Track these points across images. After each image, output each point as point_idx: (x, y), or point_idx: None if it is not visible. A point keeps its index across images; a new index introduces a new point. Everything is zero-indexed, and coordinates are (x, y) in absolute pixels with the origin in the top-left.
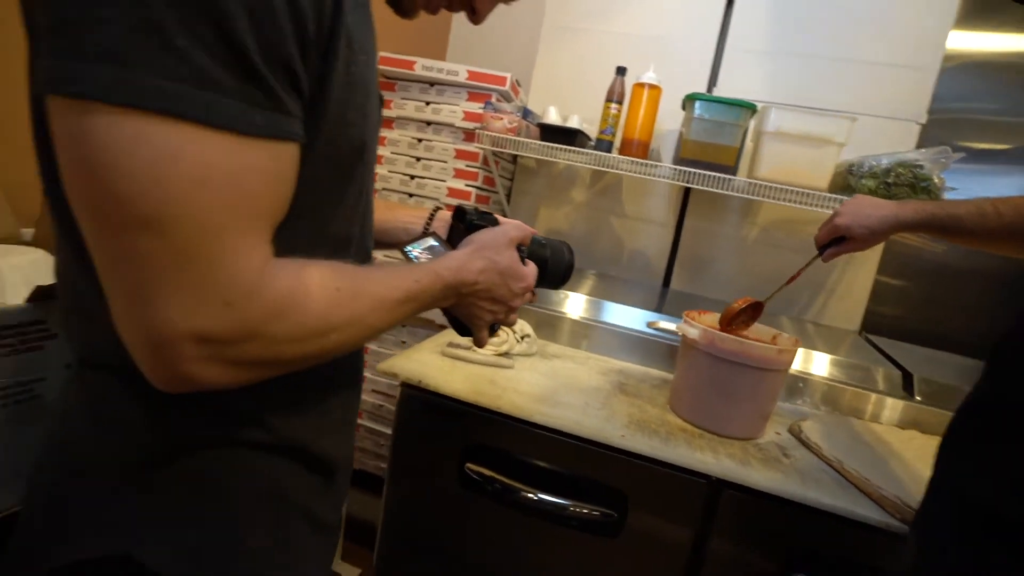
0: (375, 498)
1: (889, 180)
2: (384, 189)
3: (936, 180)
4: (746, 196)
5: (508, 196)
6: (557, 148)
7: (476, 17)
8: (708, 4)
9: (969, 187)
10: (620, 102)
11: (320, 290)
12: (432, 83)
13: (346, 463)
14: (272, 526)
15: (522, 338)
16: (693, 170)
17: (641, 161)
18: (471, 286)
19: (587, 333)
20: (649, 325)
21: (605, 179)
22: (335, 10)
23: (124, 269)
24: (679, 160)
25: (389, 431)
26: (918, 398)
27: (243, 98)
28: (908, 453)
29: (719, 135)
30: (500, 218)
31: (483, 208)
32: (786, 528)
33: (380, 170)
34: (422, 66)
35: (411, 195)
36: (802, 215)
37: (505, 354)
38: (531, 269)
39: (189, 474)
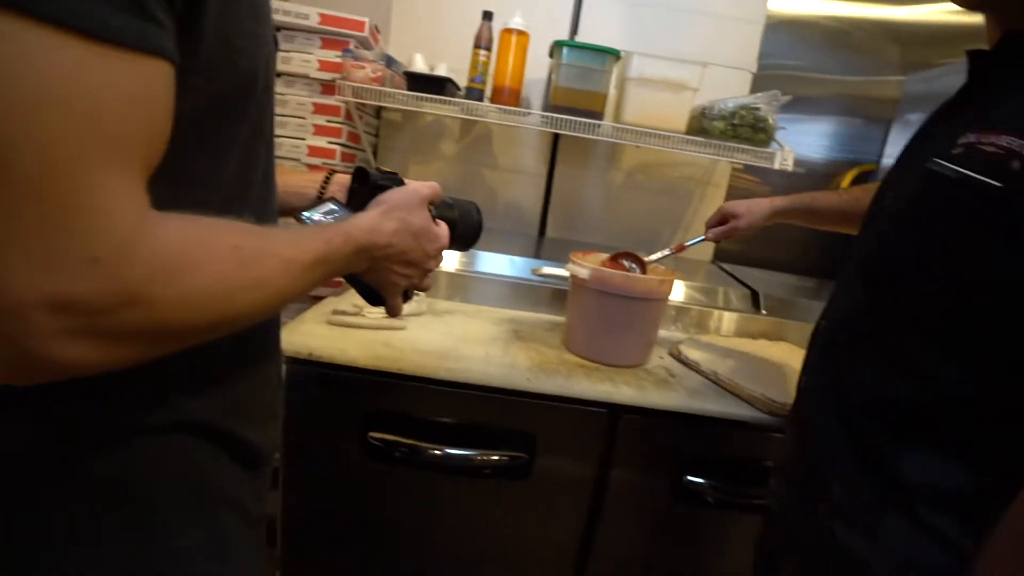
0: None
1: (735, 122)
2: None
3: (771, 121)
4: (613, 140)
5: (375, 153)
6: (427, 99)
7: None
8: None
9: (791, 132)
10: (489, 48)
11: (217, 248)
12: (277, 28)
13: (269, 451)
14: (201, 521)
15: (411, 294)
16: (564, 116)
17: (511, 109)
18: (384, 249)
19: (473, 286)
20: (534, 272)
21: (475, 131)
22: None
23: None
24: (550, 107)
25: None
26: (764, 312)
27: (123, 7)
28: (763, 357)
29: (587, 81)
30: (406, 179)
31: (385, 168)
32: (677, 440)
33: None
34: None
35: None
36: (662, 157)
37: None
38: (444, 229)
39: (82, 477)
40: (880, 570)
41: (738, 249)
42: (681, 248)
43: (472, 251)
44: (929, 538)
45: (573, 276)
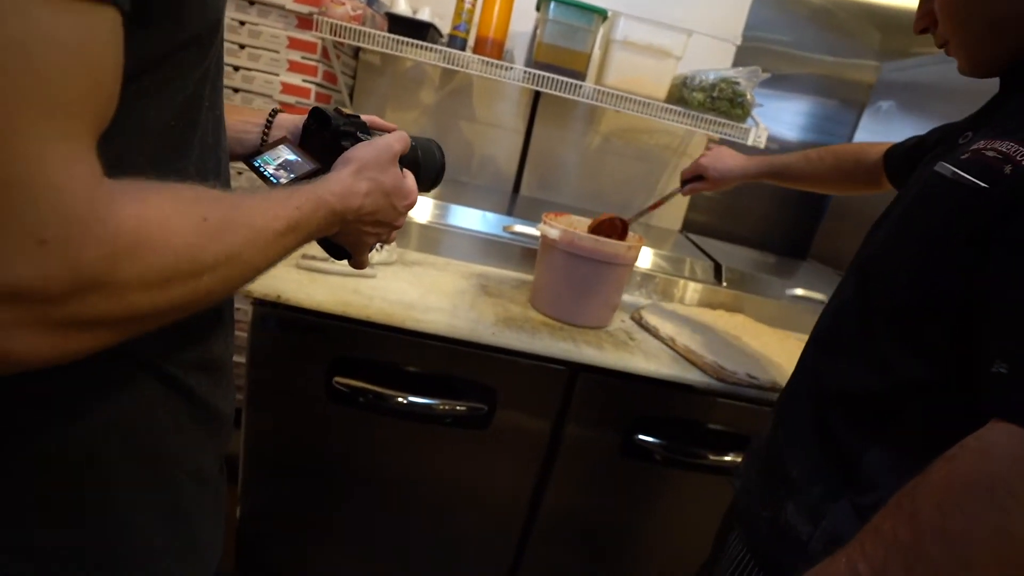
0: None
1: (715, 94)
2: None
3: (749, 97)
4: (594, 103)
5: (351, 95)
6: (408, 43)
7: None
8: None
9: (767, 108)
10: None
11: (182, 219)
12: None
13: (228, 415)
14: (157, 490)
15: (381, 247)
16: (546, 74)
17: (494, 62)
18: (357, 211)
19: (444, 239)
20: (505, 229)
21: (455, 81)
22: None
23: None
24: (533, 63)
25: (242, 359)
26: (725, 284)
27: None
28: (719, 327)
29: (572, 40)
30: (370, 120)
31: (346, 110)
32: (629, 401)
33: None
34: None
35: (236, 90)
36: (640, 124)
37: None
38: (412, 182)
39: (29, 449)
40: (816, 551)
41: (706, 220)
42: (659, 204)
43: (446, 204)
44: None
45: (543, 236)
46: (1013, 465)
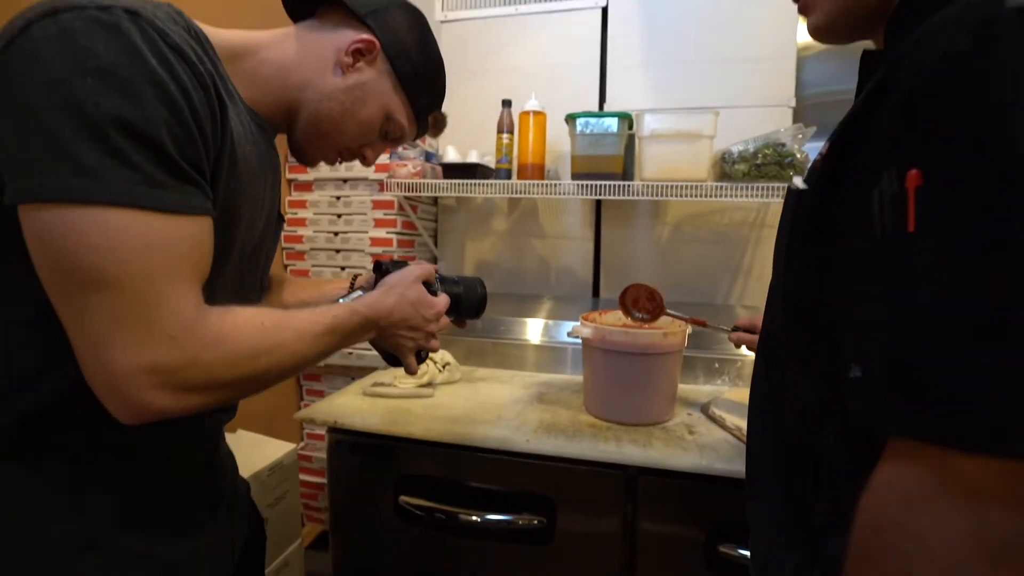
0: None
1: (758, 162)
2: (312, 249)
3: (799, 155)
4: (642, 197)
5: (435, 237)
6: (460, 183)
7: (367, 162)
8: (586, 28)
9: None
10: (511, 132)
11: (247, 324)
12: None
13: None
14: None
15: (443, 367)
16: (588, 182)
17: (539, 182)
18: (387, 318)
19: (510, 352)
20: (569, 335)
21: (521, 206)
22: (222, 133)
23: (86, 319)
24: (572, 176)
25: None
26: None
27: (181, 191)
28: None
29: (600, 146)
30: (410, 261)
31: (399, 257)
32: (702, 502)
33: (305, 231)
34: None
35: (337, 250)
36: (704, 207)
37: (428, 384)
38: (441, 299)
39: None
40: None
41: None
42: (702, 324)
43: (520, 319)
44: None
45: (582, 337)
46: (894, 498)
